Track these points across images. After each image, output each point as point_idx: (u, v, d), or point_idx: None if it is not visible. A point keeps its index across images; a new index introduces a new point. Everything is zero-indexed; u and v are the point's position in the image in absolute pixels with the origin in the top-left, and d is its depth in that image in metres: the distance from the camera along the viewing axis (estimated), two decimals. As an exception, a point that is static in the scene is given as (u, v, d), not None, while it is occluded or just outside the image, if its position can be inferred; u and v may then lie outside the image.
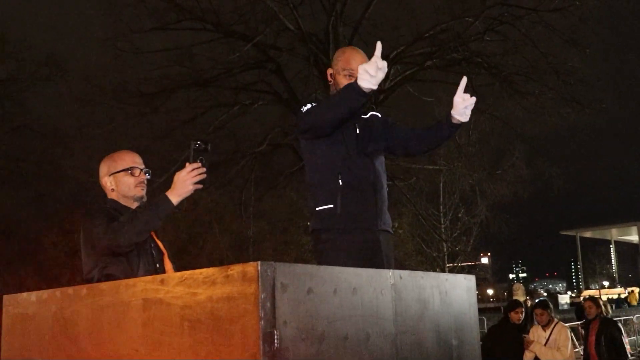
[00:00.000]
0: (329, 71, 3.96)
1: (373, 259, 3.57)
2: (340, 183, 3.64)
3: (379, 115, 4.00)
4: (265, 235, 27.51)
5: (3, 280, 21.99)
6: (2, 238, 23.83)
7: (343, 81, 3.81)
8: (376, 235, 3.68)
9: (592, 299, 9.03)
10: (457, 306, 2.79)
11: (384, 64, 3.33)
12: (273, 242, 28.35)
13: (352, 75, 3.78)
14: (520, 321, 8.40)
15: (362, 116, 3.89)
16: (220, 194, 22.53)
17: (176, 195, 3.11)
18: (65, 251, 24.76)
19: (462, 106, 3.70)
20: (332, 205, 3.63)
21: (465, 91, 3.74)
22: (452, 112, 3.73)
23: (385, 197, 3.81)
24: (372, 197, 3.70)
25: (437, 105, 20.73)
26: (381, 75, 3.34)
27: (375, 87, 3.38)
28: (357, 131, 3.79)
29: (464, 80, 3.76)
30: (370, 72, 3.31)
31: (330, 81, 3.95)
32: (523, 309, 8.53)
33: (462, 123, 3.78)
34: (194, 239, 27.72)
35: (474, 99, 3.72)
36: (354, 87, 3.40)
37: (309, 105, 3.74)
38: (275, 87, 19.70)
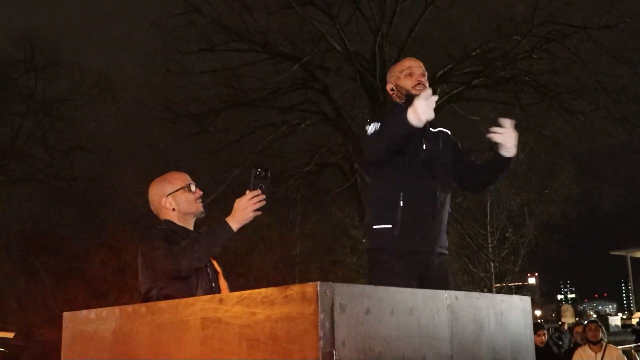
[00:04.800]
0: (388, 87, 3.94)
1: (426, 283, 3.52)
2: (402, 204, 3.61)
3: (449, 133, 3.94)
4: (311, 255, 27.44)
5: (54, 297, 22.37)
6: (52, 255, 24.26)
7: (406, 82, 3.80)
8: (431, 259, 3.66)
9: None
10: (513, 328, 2.76)
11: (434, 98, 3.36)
12: (319, 261, 28.23)
13: (412, 73, 3.80)
14: (543, 344, 8.29)
15: (431, 129, 3.81)
16: (267, 213, 22.58)
17: (236, 222, 3.15)
18: (113, 269, 25.06)
19: (506, 141, 3.71)
20: (390, 226, 3.61)
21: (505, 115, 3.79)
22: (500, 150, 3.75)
23: (445, 219, 3.77)
24: (432, 220, 3.67)
25: (483, 124, 20.54)
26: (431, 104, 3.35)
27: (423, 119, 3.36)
28: (424, 147, 3.74)
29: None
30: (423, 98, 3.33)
31: (392, 93, 3.91)
32: (545, 332, 8.49)
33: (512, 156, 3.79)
34: (240, 258, 27.77)
35: (510, 131, 3.69)
36: (405, 118, 3.36)
37: (372, 127, 3.65)
38: (322, 107, 19.79)
